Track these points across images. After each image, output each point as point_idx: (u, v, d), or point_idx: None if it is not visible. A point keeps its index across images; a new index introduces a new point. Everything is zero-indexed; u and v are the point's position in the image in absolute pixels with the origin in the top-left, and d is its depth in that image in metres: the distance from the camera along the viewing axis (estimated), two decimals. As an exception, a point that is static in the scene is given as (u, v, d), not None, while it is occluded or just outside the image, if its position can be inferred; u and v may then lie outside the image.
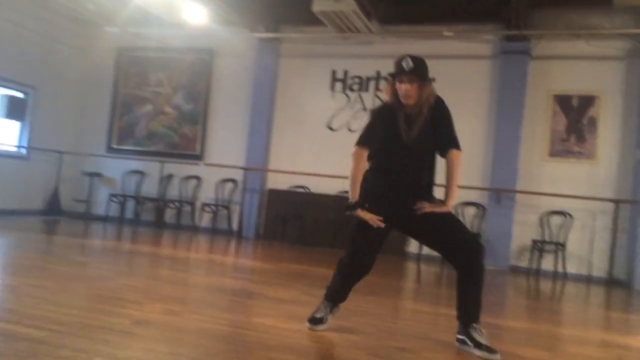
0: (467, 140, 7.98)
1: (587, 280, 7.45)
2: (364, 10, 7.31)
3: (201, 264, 5.70)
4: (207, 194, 9.25)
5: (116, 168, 9.72)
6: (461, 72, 8.20)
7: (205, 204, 9.02)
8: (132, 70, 9.82)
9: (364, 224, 2.92)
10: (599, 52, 7.65)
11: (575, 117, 7.75)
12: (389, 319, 3.61)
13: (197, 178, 9.31)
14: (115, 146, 9.87)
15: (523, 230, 7.70)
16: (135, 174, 9.57)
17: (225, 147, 9.23)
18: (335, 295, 3.09)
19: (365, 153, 2.98)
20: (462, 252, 2.81)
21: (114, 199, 9.39)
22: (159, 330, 2.72)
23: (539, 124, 7.84)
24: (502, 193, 7.66)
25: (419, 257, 7.86)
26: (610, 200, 7.39)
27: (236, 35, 8.94)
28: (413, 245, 8.08)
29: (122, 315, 2.91)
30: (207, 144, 9.39)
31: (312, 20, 8.26)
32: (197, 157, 9.34)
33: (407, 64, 2.82)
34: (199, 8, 7.30)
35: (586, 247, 7.59)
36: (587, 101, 7.71)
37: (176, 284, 4.23)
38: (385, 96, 3.00)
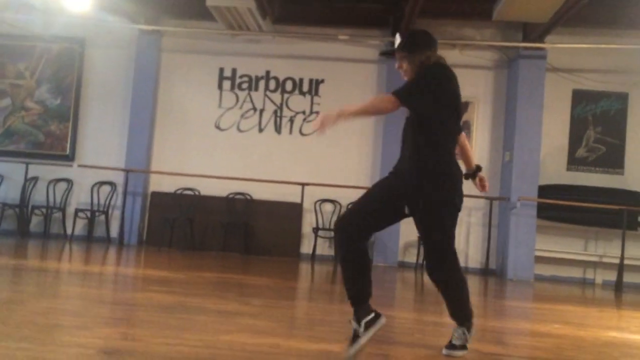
0: (357, 140, 8.31)
1: (464, 271, 8.07)
2: (261, 8, 7.16)
3: (106, 277, 5.16)
4: (80, 198, 8.41)
5: (-35, 170, 8.42)
6: (349, 74, 8.41)
7: (79, 210, 8.17)
8: (-15, 59, 8.58)
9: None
10: (472, 61, 8.33)
11: (452, 121, 8.35)
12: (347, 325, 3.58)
13: (68, 181, 8.41)
14: (-37, 145, 8.55)
15: (409, 227, 8.08)
16: (-10, 177, 8.39)
17: (101, 147, 8.46)
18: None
19: None
20: (426, 262, 2.85)
21: (-36, 206, 8.14)
22: (139, 359, 2.41)
23: (421, 126, 8.32)
24: (391, 192, 8.00)
25: (312, 257, 7.92)
26: (484, 198, 8.10)
27: (112, 24, 8.24)
28: (306, 246, 8.15)
29: (80, 345, 2.53)
30: (79, 143, 8.53)
31: (197, 14, 7.94)
32: (68, 158, 8.44)
33: (395, 43, 2.79)
34: (82, -6, 6.56)
35: (463, 241, 8.24)
36: (463, 106, 8.34)
37: (102, 302, 3.79)
38: None
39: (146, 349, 2.57)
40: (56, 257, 6.39)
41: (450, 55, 8.29)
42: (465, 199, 8.69)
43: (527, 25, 7.80)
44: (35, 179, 8.33)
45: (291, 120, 8.47)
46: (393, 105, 2.58)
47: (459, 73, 9.06)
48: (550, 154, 8.17)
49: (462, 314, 2.89)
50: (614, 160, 8.10)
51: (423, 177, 2.67)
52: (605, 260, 7.80)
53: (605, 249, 7.88)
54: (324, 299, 4.95)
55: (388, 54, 2.87)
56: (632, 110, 8.11)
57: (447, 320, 2.97)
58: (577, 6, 6.49)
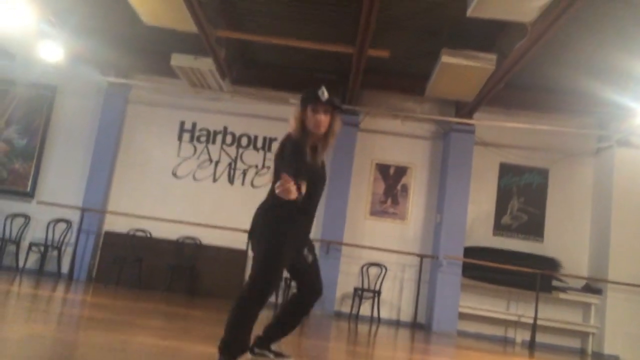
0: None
1: (397, 324, 8.64)
2: (220, 70, 7.94)
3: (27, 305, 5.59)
4: (36, 233, 8.81)
5: None
6: (300, 136, 9.15)
7: (33, 244, 8.57)
8: (-41, 98, 9.13)
9: (290, 242, 3.01)
10: (412, 131, 9.19)
11: (392, 183, 9.13)
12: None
13: (26, 216, 8.84)
14: None
15: (347, 279, 8.71)
16: (-50, 208, 8.76)
17: (61, 187, 8.96)
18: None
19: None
20: (315, 292, 3.29)
21: None
22: None
23: (363, 187, 9.06)
24: (330, 245, 8.61)
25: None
26: (416, 255, 8.76)
27: (83, 75, 8.91)
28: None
29: None
30: (40, 182, 9.02)
31: (164, 71, 8.63)
32: (28, 195, 8.91)
33: (324, 94, 2.94)
34: (56, 46, 7.25)
35: (396, 295, 8.83)
36: (402, 171, 9.15)
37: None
38: (292, 125, 2.97)
39: None
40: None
41: (393, 125, 9.21)
42: (400, 256, 9.34)
43: (458, 101, 8.73)
44: (-6, 212, 8.74)
45: (244, 173, 9.13)
46: None
47: (400, 141, 9.97)
48: (479, 219, 8.93)
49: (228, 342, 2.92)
50: (534, 228, 8.90)
51: None
52: (523, 320, 8.42)
53: (525, 310, 8.52)
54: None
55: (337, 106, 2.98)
56: (552, 185, 8.99)
57: None
58: (495, 90, 7.41)
